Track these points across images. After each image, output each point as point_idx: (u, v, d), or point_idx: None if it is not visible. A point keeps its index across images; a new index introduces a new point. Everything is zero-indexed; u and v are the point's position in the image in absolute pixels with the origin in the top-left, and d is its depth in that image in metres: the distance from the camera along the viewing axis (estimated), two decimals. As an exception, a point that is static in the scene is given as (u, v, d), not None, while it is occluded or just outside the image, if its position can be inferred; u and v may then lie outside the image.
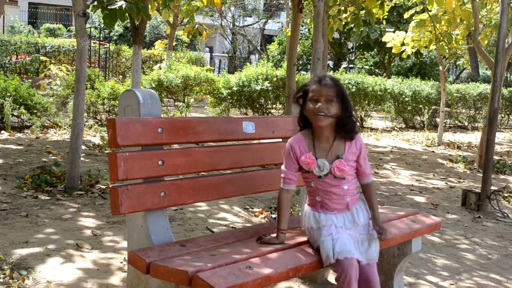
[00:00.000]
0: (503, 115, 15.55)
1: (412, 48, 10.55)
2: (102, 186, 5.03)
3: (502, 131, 14.42)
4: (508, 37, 7.13)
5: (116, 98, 8.87)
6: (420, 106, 13.41)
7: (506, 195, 6.12)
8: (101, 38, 21.66)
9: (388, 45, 10.88)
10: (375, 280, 2.43)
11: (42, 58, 15.32)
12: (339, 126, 2.38)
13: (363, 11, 8.49)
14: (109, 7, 4.52)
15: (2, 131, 7.57)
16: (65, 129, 8.33)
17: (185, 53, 20.67)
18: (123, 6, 4.46)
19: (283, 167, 2.47)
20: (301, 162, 2.41)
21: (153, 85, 10.26)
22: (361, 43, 21.56)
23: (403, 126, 13.67)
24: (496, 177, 7.27)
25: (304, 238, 2.61)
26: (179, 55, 18.53)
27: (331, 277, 3.37)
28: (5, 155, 6.04)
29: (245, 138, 2.93)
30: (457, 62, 26.14)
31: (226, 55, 30.28)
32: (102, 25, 23.24)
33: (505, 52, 6.28)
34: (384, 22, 14.59)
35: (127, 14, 4.79)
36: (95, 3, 4.78)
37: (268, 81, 10.98)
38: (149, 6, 6.27)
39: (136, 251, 2.31)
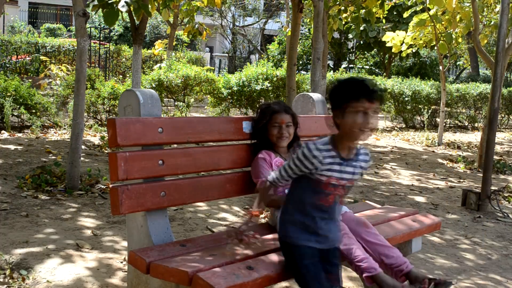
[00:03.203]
0: (503, 115, 15.54)
1: (412, 48, 10.54)
2: (102, 186, 5.03)
3: (502, 131, 14.41)
4: (508, 37, 7.13)
5: (116, 98, 8.87)
6: (420, 106, 13.41)
7: (506, 195, 6.12)
8: (101, 38, 21.64)
9: (388, 45, 10.89)
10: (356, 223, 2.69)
11: (42, 58, 15.29)
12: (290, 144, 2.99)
13: (363, 11, 8.49)
14: (109, 2, 4.52)
15: (2, 131, 7.57)
16: (65, 129, 8.33)
17: (185, 53, 20.66)
18: (124, 0, 4.46)
19: (259, 176, 2.75)
20: (274, 164, 2.84)
21: (153, 85, 10.25)
22: (361, 42, 21.55)
23: (403, 126, 13.67)
24: (496, 177, 7.27)
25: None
26: (179, 55, 18.51)
27: (331, 277, 3.37)
28: (5, 155, 6.04)
29: (245, 138, 2.94)
30: (457, 62, 26.13)
31: (226, 55, 30.26)
32: (102, 25, 23.25)
33: (505, 52, 6.28)
34: (384, 21, 14.57)
35: (127, 14, 4.79)
36: (95, 2, 4.77)
37: (268, 81, 10.98)
38: (149, 6, 6.27)
39: (136, 251, 2.31)
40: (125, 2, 4.49)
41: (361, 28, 19.63)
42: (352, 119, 2.09)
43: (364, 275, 2.45)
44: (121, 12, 4.55)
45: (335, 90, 2.17)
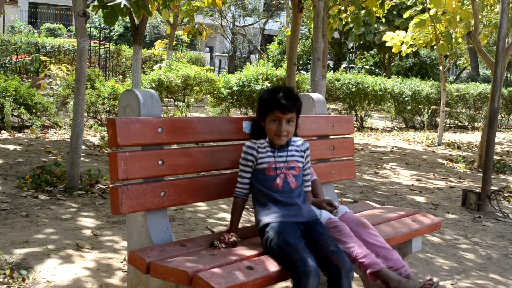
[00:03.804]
0: (503, 115, 15.55)
1: (411, 48, 10.54)
2: (102, 186, 5.03)
3: (502, 131, 14.42)
4: (508, 37, 7.13)
5: (116, 98, 8.87)
6: (420, 106, 13.40)
7: (506, 195, 6.12)
8: (101, 38, 21.65)
9: (387, 45, 10.89)
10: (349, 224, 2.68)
11: (42, 58, 15.27)
12: None
13: (363, 11, 8.49)
14: (109, 4, 4.51)
15: (2, 131, 7.57)
16: (65, 129, 8.33)
17: (185, 53, 20.66)
18: (123, 3, 4.45)
19: None
20: None
21: (153, 85, 10.26)
22: (361, 42, 21.56)
23: (403, 126, 13.67)
24: (496, 177, 7.27)
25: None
26: (179, 55, 18.51)
27: (331, 277, 3.37)
28: (5, 155, 6.04)
29: (245, 138, 2.93)
30: (457, 62, 26.14)
31: (226, 55, 30.25)
32: (102, 25, 23.25)
33: (505, 52, 6.28)
34: (384, 21, 14.57)
35: (127, 12, 4.79)
36: (95, 2, 4.77)
37: (268, 81, 10.98)
38: (149, 6, 6.27)
39: (136, 251, 2.31)
40: (124, 5, 4.48)
41: (359, 32, 19.65)
42: (269, 125, 2.54)
43: (368, 271, 2.42)
44: (123, 9, 4.54)
45: (260, 99, 2.60)
